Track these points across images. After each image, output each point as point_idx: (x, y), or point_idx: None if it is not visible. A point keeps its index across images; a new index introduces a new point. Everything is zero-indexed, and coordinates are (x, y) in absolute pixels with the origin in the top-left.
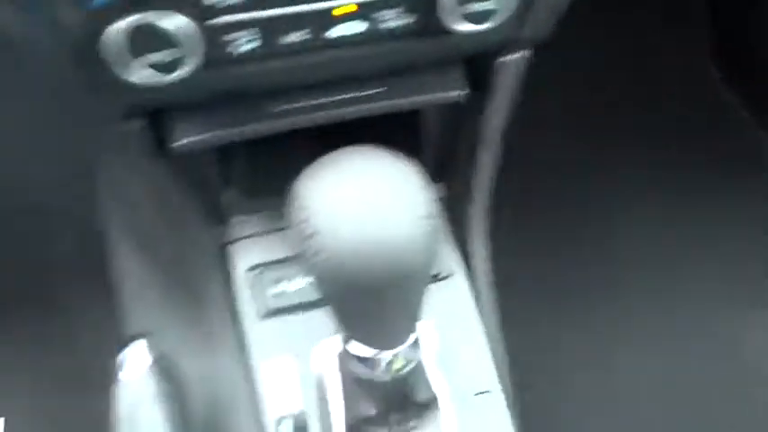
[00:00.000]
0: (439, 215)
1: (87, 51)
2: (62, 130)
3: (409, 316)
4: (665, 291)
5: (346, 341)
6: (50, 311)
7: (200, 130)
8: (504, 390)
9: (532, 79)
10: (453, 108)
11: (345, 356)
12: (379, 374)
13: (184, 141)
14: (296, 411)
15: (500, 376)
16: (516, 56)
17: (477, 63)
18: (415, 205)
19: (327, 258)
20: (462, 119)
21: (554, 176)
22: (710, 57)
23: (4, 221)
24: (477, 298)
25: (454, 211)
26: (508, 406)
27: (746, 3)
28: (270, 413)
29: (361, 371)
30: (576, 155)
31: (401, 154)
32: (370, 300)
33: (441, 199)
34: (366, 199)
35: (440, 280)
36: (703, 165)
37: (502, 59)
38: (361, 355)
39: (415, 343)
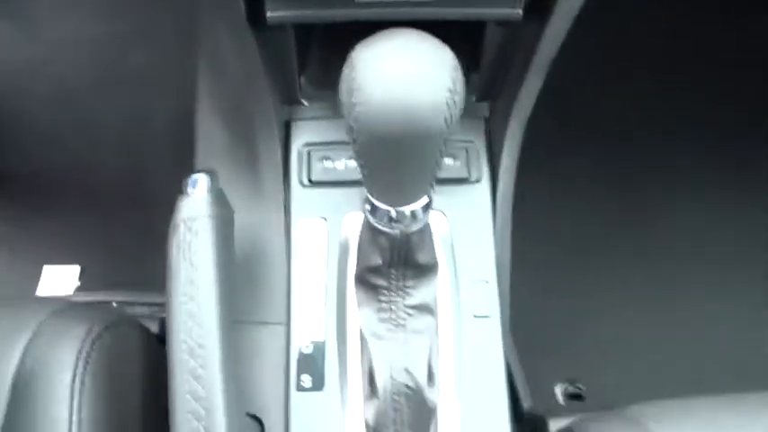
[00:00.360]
0: (462, 93)
1: None
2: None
3: (421, 178)
4: (686, 261)
5: (369, 195)
6: (137, 177)
7: (293, 5)
8: (500, 284)
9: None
10: (513, 32)
11: (366, 210)
12: (388, 227)
13: (279, 14)
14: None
15: (499, 273)
16: None
17: None
18: (442, 78)
19: (364, 110)
20: (519, 43)
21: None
22: None
23: (104, 89)
24: (495, 204)
25: (495, 128)
26: (500, 295)
27: None
28: (297, 266)
29: (374, 222)
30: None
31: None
32: (390, 153)
33: (484, 117)
34: (404, 66)
35: (469, 183)
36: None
37: None
38: (376, 206)
39: (425, 208)
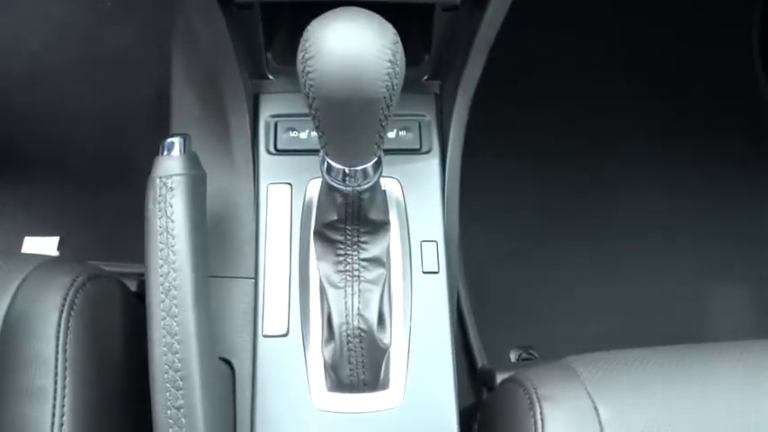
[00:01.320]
0: (402, 66)
1: None
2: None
3: (369, 139)
4: (641, 234)
5: (325, 155)
6: (116, 153)
7: None
8: (449, 243)
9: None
10: (456, 18)
11: (323, 169)
12: (342, 184)
13: None
14: None
15: (446, 232)
16: None
17: None
18: (383, 50)
19: (316, 76)
20: (462, 27)
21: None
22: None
23: (81, 67)
24: (445, 171)
25: (444, 103)
26: (448, 254)
27: None
28: (264, 226)
29: (330, 180)
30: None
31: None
32: (340, 115)
33: (435, 94)
34: (350, 39)
35: (421, 153)
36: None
37: None
38: (332, 165)
39: (375, 166)
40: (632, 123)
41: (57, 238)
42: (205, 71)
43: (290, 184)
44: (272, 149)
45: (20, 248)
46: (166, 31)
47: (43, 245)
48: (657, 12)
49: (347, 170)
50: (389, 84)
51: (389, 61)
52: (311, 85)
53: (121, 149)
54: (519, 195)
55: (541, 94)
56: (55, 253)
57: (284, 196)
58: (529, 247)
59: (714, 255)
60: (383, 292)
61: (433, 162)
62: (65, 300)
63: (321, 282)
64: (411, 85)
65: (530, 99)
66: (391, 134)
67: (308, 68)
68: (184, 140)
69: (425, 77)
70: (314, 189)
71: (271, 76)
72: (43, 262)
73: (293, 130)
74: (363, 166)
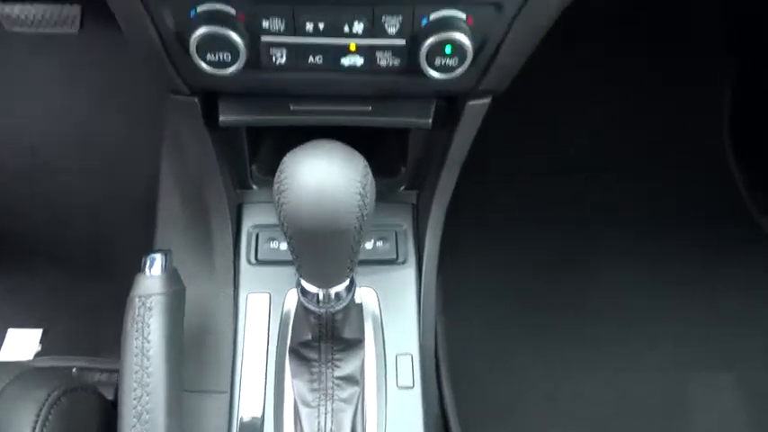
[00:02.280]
0: (372, 196)
1: (180, 45)
2: (137, 99)
3: (341, 266)
4: (623, 336)
5: (300, 278)
6: (101, 245)
7: (241, 112)
8: (422, 356)
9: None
10: (430, 134)
11: (298, 292)
12: (316, 307)
13: (229, 118)
14: None
15: (421, 345)
16: (478, 102)
17: (449, 102)
18: (354, 184)
19: (289, 209)
20: (436, 144)
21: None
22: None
23: (74, 161)
24: (421, 282)
25: (421, 213)
26: (423, 366)
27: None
28: (241, 339)
29: (305, 302)
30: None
31: (382, 160)
32: (312, 244)
33: (412, 204)
34: (322, 174)
35: (397, 264)
36: (694, 235)
37: (468, 102)
38: (306, 289)
39: (348, 290)
40: (615, 213)
41: (40, 331)
42: (191, 181)
43: (269, 294)
44: (252, 260)
45: (2, 341)
46: (158, 129)
47: (26, 338)
48: (627, 109)
49: (321, 294)
50: (360, 214)
51: (359, 194)
52: (285, 216)
53: (112, 242)
54: (500, 288)
55: (524, 184)
56: (37, 347)
57: (263, 307)
58: (511, 345)
59: (696, 345)
60: (356, 410)
61: (409, 273)
62: (38, 416)
63: (295, 400)
64: (388, 196)
65: (513, 188)
66: (368, 245)
67: (282, 200)
68: (166, 257)
69: (402, 188)
70: (292, 300)
71: (254, 186)
72: (20, 374)
73: (274, 240)
74: (336, 289)
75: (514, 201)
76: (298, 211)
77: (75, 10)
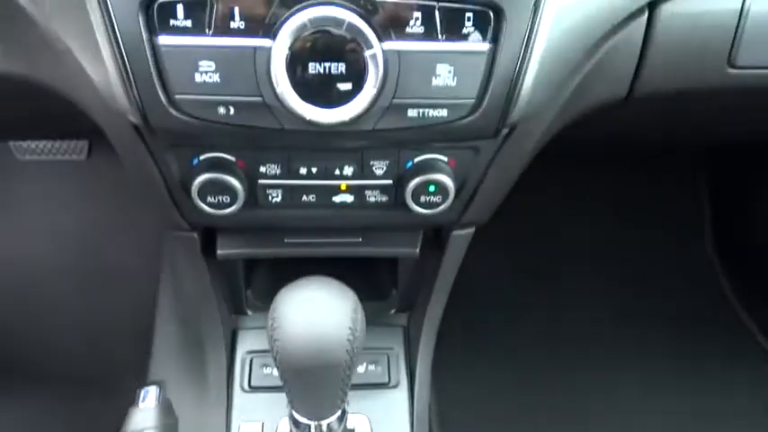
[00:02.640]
0: (362, 330)
1: (182, 188)
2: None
3: (333, 398)
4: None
5: (293, 410)
6: (97, 363)
7: (238, 246)
8: None
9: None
10: (418, 261)
11: (291, 423)
12: None
13: (227, 252)
14: None
15: None
16: (462, 232)
17: (435, 232)
18: (344, 321)
19: (281, 345)
20: (424, 269)
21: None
22: (713, 249)
23: (72, 279)
24: (413, 405)
25: (412, 336)
26: None
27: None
28: None
29: None
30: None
31: (366, 287)
32: (304, 379)
33: (403, 327)
34: (313, 312)
35: (389, 387)
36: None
37: (452, 233)
38: (298, 420)
39: (339, 420)
40: (609, 334)
41: None
42: (187, 308)
43: (262, 423)
44: (246, 387)
45: None
46: (156, 254)
47: None
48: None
49: (312, 426)
50: (350, 349)
51: (349, 329)
52: (277, 351)
53: (104, 363)
54: (497, 403)
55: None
56: None
57: None
58: None
59: None
60: None
61: (401, 396)
62: None
63: None
64: (379, 319)
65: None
66: (360, 368)
67: (275, 336)
68: (159, 389)
69: (393, 311)
70: (285, 429)
71: (249, 312)
72: None
73: (267, 366)
74: (328, 420)
75: (504, 316)
76: (289, 347)
77: (83, 142)
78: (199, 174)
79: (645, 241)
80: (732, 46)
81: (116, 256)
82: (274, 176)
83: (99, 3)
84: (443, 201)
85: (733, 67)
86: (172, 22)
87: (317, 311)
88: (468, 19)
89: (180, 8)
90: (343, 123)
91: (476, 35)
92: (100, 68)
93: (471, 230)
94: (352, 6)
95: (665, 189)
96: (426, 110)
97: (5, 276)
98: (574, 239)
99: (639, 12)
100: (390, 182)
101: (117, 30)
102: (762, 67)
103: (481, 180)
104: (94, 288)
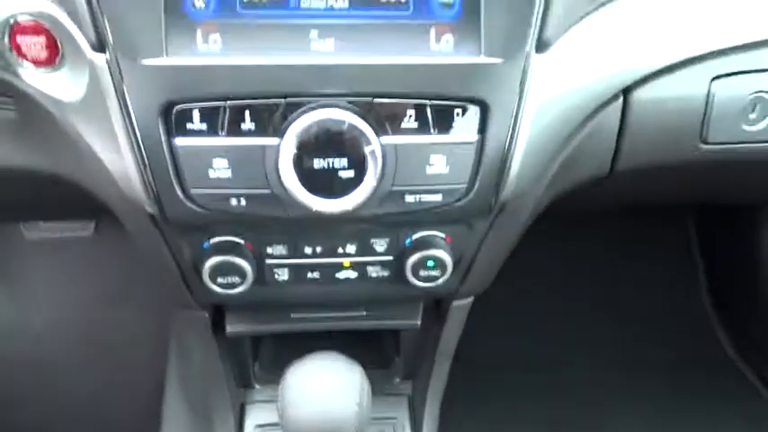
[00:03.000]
0: (368, 403)
1: (194, 270)
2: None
3: None
4: None
5: None
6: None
7: (247, 323)
8: None
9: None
10: (420, 331)
11: None
12: None
13: (236, 329)
14: None
15: None
16: (462, 302)
17: (436, 304)
18: (352, 396)
19: (291, 421)
20: (426, 338)
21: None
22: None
23: (81, 356)
24: None
25: (416, 404)
26: None
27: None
28: None
29: None
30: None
31: (367, 360)
32: None
33: (407, 395)
34: (321, 388)
35: None
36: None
37: (452, 304)
38: None
39: None
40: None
41: None
42: (196, 383)
43: None
44: None
45: None
46: (167, 324)
47: None
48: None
49: None
50: (357, 424)
51: (357, 404)
52: (288, 426)
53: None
54: None
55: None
56: None
57: None
58: None
59: None
60: None
61: None
62: None
63: None
64: (384, 387)
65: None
66: None
67: (285, 415)
68: None
69: (397, 379)
70: None
71: (257, 385)
72: None
73: None
74: None
75: (507, 387)
76: (300, 423)
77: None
78: (210, 257)
79: (641, 293)
80: (702, 125)
81: (122, 330)
82: (281, 256)
83: (121, 108)
84: (442, 274)
85: (705, 143)
86: (188, 125)
87: (325, 388)
88: (458, 114)
89: (196, 113)
90: (347, 212)
91: (465, 128)
92: (120, 166)
93: (470, 300)
94: (351, 107)
95: (659, 240)
96: (422, 195)
97: (12, 349)
98: (569, 293)
99: (614, 98)
100: (391, 258)
101: (137, 133)
102: (732, 143)
103: (477, 254)
104: (100, 361)
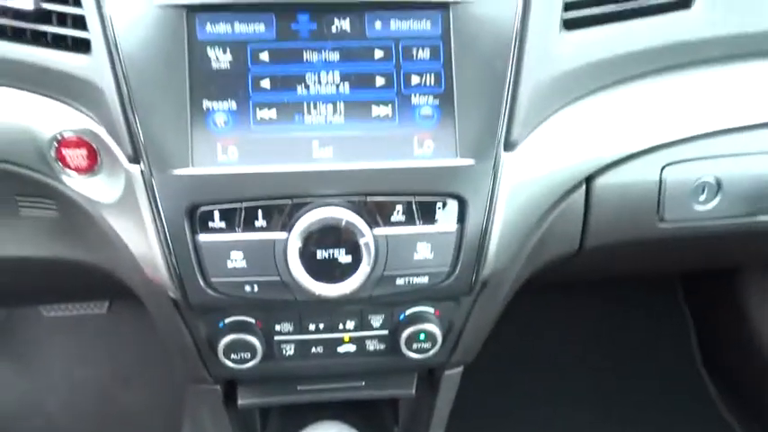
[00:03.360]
0: None
1: (209, 347)
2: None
3: None
4: None
5: None
6: None
7: (257, 396)
8: None
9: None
10: (416, 399)
11: None
12: None
13: (248, 402)
14: None
15: None
16: (452, 372)
17: (429, 373)
18: None
19: None
20: (421, 406)
21: None
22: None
23: (101, 427)
24: None
25: None
26: None
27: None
28: None
29: None
30: None
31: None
32: None
33: None
34: None
35: None
36: None
37: (444, 373)
38: None
39: None
40: None
41: None
42: None
43: None
44: None
45: None
46: (179, 400)
47: None
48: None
49: None
50: None
51: None
52: None
53: None
54: None
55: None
56: None
57: None
58: None
59: None
60: None
61: None
62: None
63: None
64: None
65: None
66: None
67: None
68: None
69: None
70: None
71: None
72: None
73: None
74: None
75: None
76: None
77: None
78: (224, 335)
79: (633, 353)
80: (658, 206)
81: (134, 406)
82: (288, 333)
83: (152, 209)
84: (433, 346)
85: (662, 222)
86: (210, 224)
87: None
88: (439, 207)
89: (216, 213)
90: (345, 295)
91: (446, 219)
92: (149, 258)
93: (460, 369)
94: (348, 205)
95: (650, 301)
96: (411, 278)
97: (24, 425)
98: (563, 361)
99: (578, 185)
100: (386, 332)
101: (166, 230)
102: (686, 221)
103: (464, 326)
104: None
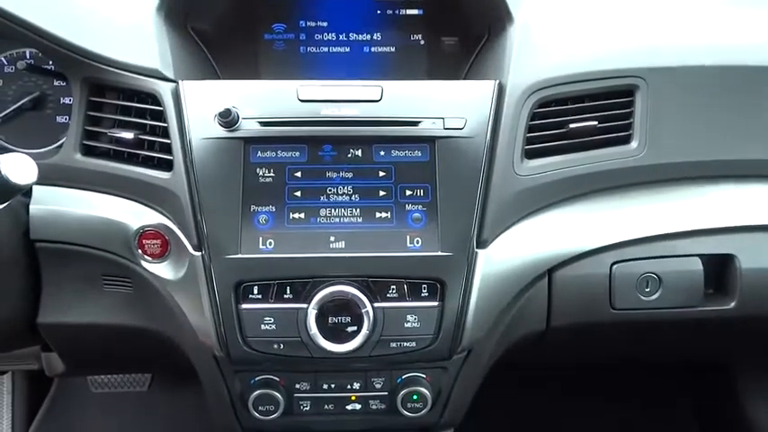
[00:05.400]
0: None
1: (240, 400)
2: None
3: None
4: None
5: None
6: None
7: None
8: None
9: None
10: None
11: None
12: None
13: None
14: None
15: None
16: None
17: None
18: None
19: None
20: None
21: None
22: None
23: None
24: None
25: None
26: None
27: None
28: None
29: None
30: None
31: None
32: None
33: None
34: None
35: None
36: None
37: None
38: None
39: None
40: None
41: None
42: None
43: None
44: None
45: None
46: None
47: None
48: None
49: None
50: None
51: None
52: None
53: None
54: None
55: None
56: None
57: None
58: None
59: None
60: None
61: None
62: None
63: None
64: None
65: None
66: None
67: None
68: None
69: None
70: None
71: None
72: None
73: None
74: None
75: None
76: None
77: (146, 376)
78: (254, 390)
79: None
80: (610, 295)
81: None
82: (305, 391)
83: (207, 286)
84: (424, 406)
85: (614, 309)
86: (250, 296)
87: None
88: (424, 288)
89: (255, 288)
90: (350, 352)
91: (430, 297)
92: (202, 323)
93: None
94: (354, 284)
95: (655, 400)
96: (402, 342)
97: None
98: None
99: (542, 276)
100: (386, 393)
101: (218, 302)
102: (634, 309)
103: (451, 391)
104: None
